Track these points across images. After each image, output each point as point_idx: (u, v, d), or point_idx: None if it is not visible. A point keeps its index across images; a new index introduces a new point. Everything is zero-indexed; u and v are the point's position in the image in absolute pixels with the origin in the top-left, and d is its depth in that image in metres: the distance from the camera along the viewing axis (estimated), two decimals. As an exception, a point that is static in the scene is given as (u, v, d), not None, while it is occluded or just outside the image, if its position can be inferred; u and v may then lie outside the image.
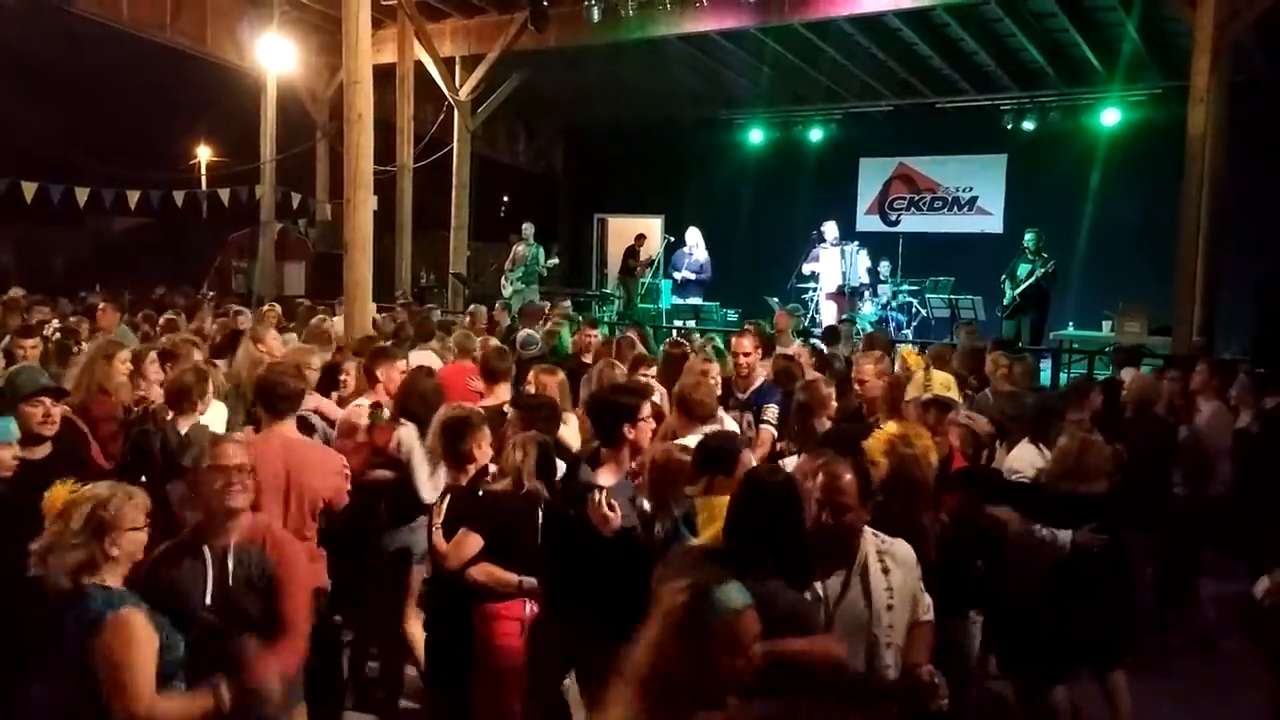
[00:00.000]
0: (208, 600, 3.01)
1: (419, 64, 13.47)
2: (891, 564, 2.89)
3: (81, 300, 11.57)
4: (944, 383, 4.39)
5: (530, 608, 3.73)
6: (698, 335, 9.56)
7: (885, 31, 12.84)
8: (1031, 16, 12.31)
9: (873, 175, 17.19)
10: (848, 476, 2.83)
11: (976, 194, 16.26)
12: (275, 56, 13.86)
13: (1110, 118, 14.40)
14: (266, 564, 3.12)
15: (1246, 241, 11.31)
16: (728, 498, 2.90)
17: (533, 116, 19.52)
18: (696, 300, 14.61)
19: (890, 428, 3.49)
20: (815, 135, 17.03)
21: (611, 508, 3.44)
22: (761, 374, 5.74)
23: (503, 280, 14.46)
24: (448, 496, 3.98)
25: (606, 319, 14.62)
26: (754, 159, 17.62)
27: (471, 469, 4.00)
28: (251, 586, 3.07)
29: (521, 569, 3.72)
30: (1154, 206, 11.94)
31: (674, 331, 11.66)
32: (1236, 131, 9.89)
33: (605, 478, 3.68)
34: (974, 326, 10.06)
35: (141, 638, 2.67)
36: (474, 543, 3.73)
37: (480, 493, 3.91)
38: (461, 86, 14.05)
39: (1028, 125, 15.07)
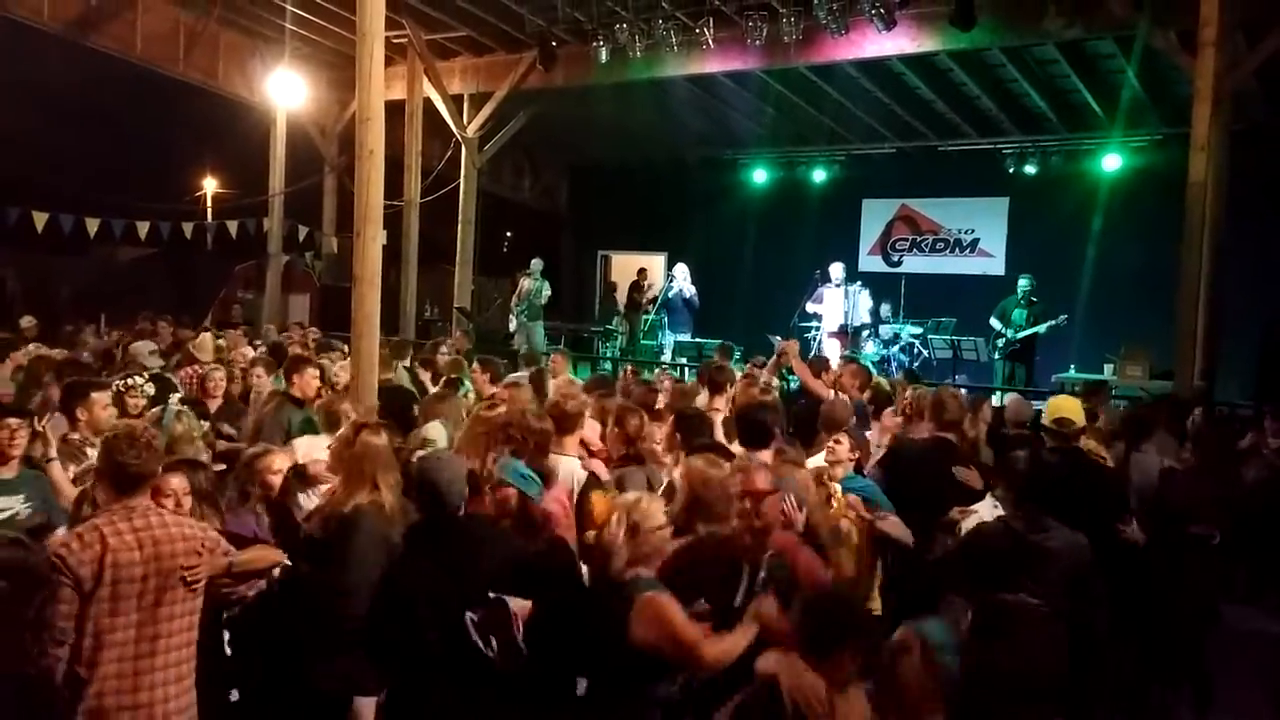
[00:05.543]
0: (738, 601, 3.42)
1: (427, 100, 13.61)
2: None
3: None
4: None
5: None
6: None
7: (889, 75, 12.98)
8: (1034, 63, 12.46)
9: (875, 216, 17.30)
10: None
11: (978, 236, 16.37)
12: (286, 92, 14.00)
13: (1111, 163, 14.55)
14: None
15: (1248, 286, 11.36)
16: None
17: (539, 153, 19.66)
18: (686, 336, 14.60)
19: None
20: (819, 176, 17.17)
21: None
22: None
23: (510, 314, 14.53)
24: None
25: (609, 355, 14.65)
26: (757, 199, 17.73)
27: None
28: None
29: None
30: (1155, 250, 11.98)
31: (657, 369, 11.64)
32: (1237, 178, 9.96)
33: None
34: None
35: (671, 603, 3.16)
36: None
37: None
38: (469, 123, 14.18)
39: (1029, 169, 15.22)
